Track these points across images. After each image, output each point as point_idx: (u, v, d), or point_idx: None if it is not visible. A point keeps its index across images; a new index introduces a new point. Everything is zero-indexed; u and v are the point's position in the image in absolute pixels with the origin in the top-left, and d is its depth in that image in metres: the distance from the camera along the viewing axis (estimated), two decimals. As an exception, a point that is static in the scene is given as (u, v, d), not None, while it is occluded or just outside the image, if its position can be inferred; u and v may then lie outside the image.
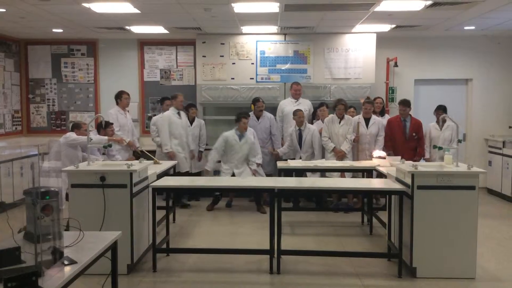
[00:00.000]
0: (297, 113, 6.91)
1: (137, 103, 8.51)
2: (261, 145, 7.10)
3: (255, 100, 7.34)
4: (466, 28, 7.54)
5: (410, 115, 7.00)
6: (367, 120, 6.92)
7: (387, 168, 5.36)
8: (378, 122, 6.98)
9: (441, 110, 6.93)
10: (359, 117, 6.97)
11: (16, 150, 7.25)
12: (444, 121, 6.70)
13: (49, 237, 2.28)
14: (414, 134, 6.86)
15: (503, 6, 5.94)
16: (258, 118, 7.32)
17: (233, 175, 6.68)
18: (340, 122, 6.75)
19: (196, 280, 4.29)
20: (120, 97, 7.06)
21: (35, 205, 2.29)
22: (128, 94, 7.16)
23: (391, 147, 6.84)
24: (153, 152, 6.97)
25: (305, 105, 7.48)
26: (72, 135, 5.97)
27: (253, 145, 6.82)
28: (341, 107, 6.73)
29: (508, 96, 8.53)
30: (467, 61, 8.51)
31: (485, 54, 8.47)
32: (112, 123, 6.63)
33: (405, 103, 6.93)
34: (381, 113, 7.40)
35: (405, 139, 6.84)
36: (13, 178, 6.89)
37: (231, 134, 6.76)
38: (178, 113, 7.20)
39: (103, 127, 6.39)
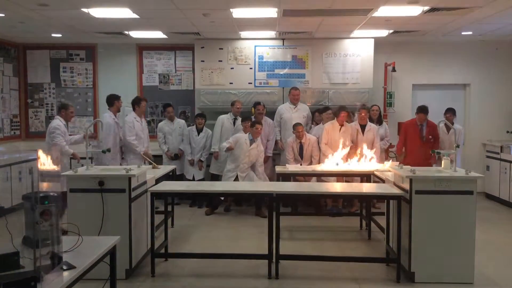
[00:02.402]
0: (296, 128, 6.89)
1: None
2: None
3: (256, 103, 7.33)
4: (463, 33, 7.58)
5: (426, 118, 6.95)
6: (362, 127, 6.95)
7: (385, 173, 5.37)
8: (374, 129, 7.01)
9: (450, 112, 6.93)
10: (356, 124, 6.98)
11: (15, 155, 7.23)
12: (452, 123, 6.73)
13: (48, 242, 2.28)
14: (430, 137, 6.85)
15: (501, 12, 5.98)
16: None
17: (237, 178, 6.69)
18: (340, 130, 6.76)
19: (195, 285, 4.28)
20: (139, 104, 6.80)
21: (34, 210, 2.29)
22: (146, 101, 7.00)
23: (402, 151, 6.95)
24: (159, 157, 6.94)
25: (304, 110, 7.49)
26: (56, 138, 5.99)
27: (262, 153, 6.84)
28: (344, 114, 6.73)
29: (505, 101, 8.56)
30: (465, 66, 8.54)
31: (482, 59, 8.51)
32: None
33: (426, 111, 6.85)
34: (379, 121, 7.41)
35: (422, 143, 6.81)
36: (11, 183, 6.88)
37: (243, 136, 6.74)
38: (234, 119, 7.37)
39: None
